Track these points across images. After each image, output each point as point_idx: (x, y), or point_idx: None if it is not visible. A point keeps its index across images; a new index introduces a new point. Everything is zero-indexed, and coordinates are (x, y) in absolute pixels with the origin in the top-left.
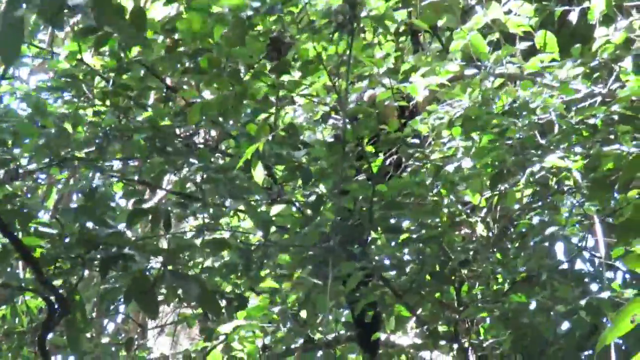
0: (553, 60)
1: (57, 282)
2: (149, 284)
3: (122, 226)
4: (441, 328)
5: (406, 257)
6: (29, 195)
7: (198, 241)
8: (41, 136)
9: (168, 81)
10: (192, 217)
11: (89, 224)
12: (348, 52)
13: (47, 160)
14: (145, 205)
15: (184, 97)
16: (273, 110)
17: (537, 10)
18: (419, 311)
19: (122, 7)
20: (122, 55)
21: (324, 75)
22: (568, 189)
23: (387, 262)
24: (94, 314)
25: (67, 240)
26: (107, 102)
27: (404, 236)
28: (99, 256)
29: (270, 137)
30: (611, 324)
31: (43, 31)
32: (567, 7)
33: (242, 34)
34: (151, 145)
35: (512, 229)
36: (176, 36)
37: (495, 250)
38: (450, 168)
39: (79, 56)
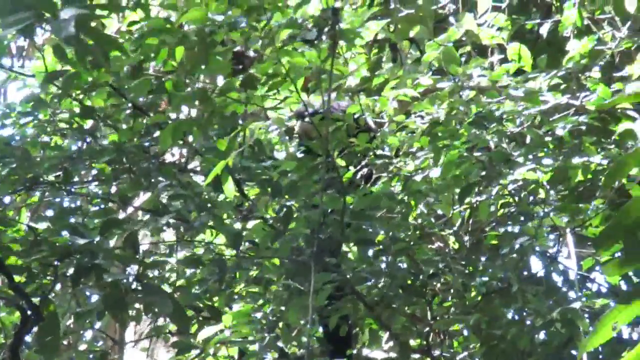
0: (521, 71)
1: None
2: (121, 295)
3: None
4: (414, 341)
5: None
6: None
7: (172, 259)
8: (5, 165)
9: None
10: (165, 234)
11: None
12: (330, 60)
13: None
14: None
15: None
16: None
17: (511, 23)
18: (392, 325)
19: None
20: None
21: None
22: (538, 200)
23: (359, 275)
24: (70, 322)
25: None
26: (74, 125)
27: (376, 248)
28: (71, 267)
29: (238, 152)
30: (593, 331)
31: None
32: (540, 21)
33: (205, 52)
34: (117, 167)
35: (484, 241)
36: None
37: (467, 262)
38: (418, 178)
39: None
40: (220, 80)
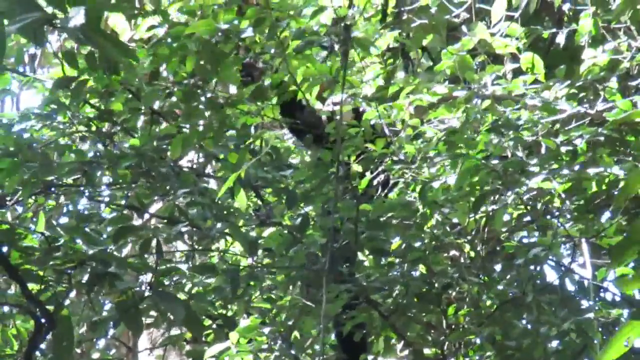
0: (537, 81)
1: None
2: (135, 302)
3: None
4: (429, 350)
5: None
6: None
7: (184, 266)
8: (25, 169)
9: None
10: (180, 242)
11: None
12: (341, 74)
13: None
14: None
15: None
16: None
17: (525, 33)
18: (407, 333)
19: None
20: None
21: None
22: (554, 210)
23: (374, 283)
24: (83, 329)
25: (54, 255)
26: (92, 128)
27: (391, 258)
28: (86, 275)
29: (254, 161)
30: (605, 346)
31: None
32: (555, 30)
33: (214, 62)
34: (136, 172)
35: (499, 250)
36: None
37: (482, 271)
38: (436, 184)
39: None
40: (233, 90)
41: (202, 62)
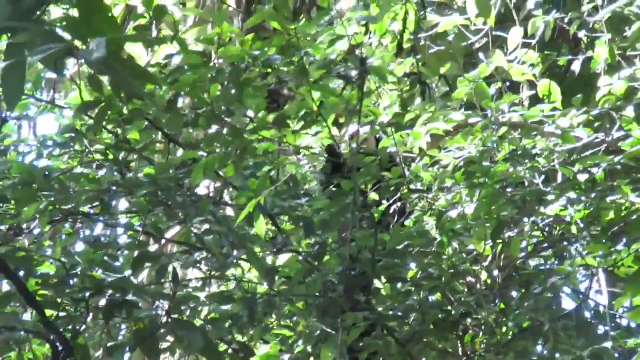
0: (555, 109)
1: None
2: (152, 330)
3: (127, 274)
4: None
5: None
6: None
7: (203, 294)
8: (42, 198)
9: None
10: (196, 269)
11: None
12: (358, 106)
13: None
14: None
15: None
16: (274, 163)
17: (542, 60)
18: None
19: (132, 57)
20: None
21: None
22: (570, 237)
23: (391, 311)
24: (99, 353)
25: (71, 283)
26: (110, 156)
27: (408, 285)
28: (103, 301)
29: (272, 190)
30: None
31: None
32: (571, 57)
33: (239, 88)
34: (153, 200)
35: (516, 277)
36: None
37: (498, 299)
38: (453, 214)
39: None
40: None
41: (226, 89)
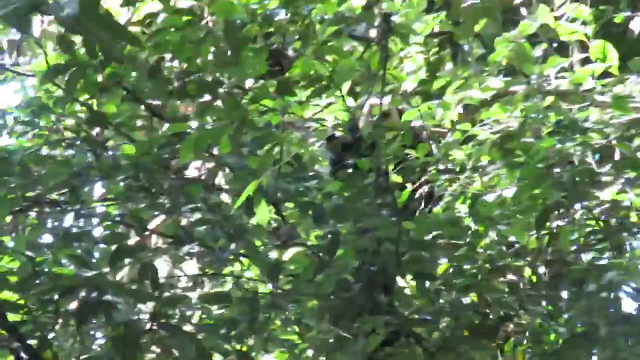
0: (609, 74)
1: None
2: (134, 337)
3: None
4: None
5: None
6: None
7: (194, 295)
8: (1, 184)
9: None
10: (186, 266)
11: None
12: (379, 71)
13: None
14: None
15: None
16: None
17: (595, 17)
18: None
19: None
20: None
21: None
22: (630, 227)
23: (417, 315)
24: None
25: (38, 281)
26: (82, 133)
27: (437, 283)
28: (75, 303)
29: (275, 170)
30: None
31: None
32: (631, 14)
33: (236, 49)
34: (133, 185)
35: (566, 274)
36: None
37: (545, 300)
38: (490, 198)
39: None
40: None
41: (220, 49)
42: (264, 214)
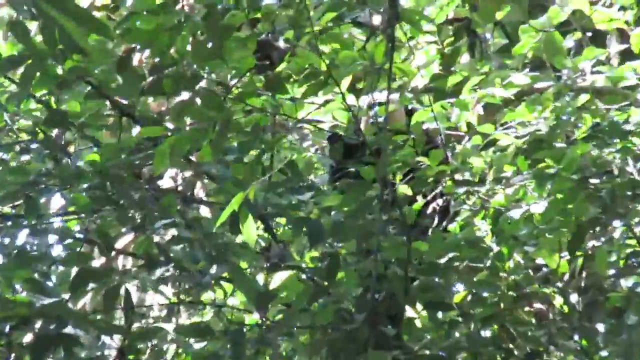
0: None
1: None
2: None
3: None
4: None
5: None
6: None
7: (169, 326)
8: None
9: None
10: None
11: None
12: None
13: None
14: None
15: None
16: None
17: (637, 1)
18: None
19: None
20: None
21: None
22: None
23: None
24: None
25: None
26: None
27: (453, 314)
28: (30, 335)
29: (264, 181)
30: None
31: None
32: None
33: (218, 40)
34: (99, 196)
35: (603, 303)
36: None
37: (579, 333)
38: (515, 214)
39: None
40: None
41: (200, 41)
42: (251, 231)
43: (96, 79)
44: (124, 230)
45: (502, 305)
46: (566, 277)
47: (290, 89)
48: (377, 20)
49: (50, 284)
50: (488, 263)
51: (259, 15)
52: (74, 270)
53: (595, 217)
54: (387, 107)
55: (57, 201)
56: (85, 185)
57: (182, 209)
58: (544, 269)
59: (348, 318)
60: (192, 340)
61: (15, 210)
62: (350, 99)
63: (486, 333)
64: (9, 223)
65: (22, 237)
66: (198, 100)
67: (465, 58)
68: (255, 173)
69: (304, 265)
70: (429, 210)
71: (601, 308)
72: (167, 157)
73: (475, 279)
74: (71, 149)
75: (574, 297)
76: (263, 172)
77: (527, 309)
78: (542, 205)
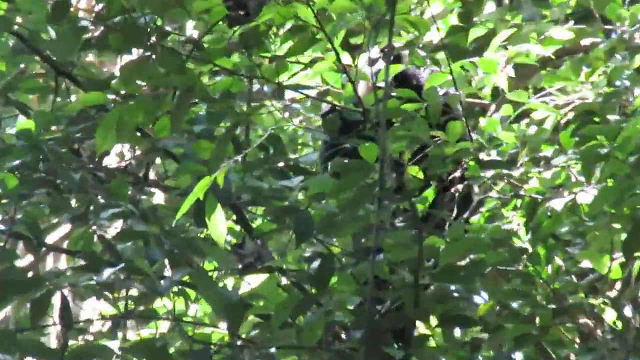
0: None
1: None
2: None
3: None
4: None
5: None
6: None
7: (114, 343)
8: None
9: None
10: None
11: None
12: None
13: None
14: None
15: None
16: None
17: None
18: None
19: None
20: None
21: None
22: None
23: None
24: None
25: None
26: None
27: (476, 330)
28: None
29: (237, 161)
30: None
31: None
32: None
33: None
34: (28, 177)
35: None
36: None
37: (634, 354)
38: (556, 205)
39: None
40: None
41: None
42: (219, 224)
43: (25, 31)
44: (58, 220)
45: (538, 320)
46: (619, 285)
47: (270, 45)
48: None
49: None
50: (521, 267)
51: None
52: None
53: None
54: (388, 69)
55: None
56: (11, 163)
57: (133, 194)
58: (591, 275)
59: (343, 335)
60: None
61: None
62: (346, 57)
63: (518, 356)
64: None
65: None
66: (154, 60)
67: (490, 6)
68: (225, 151)
69: (286, 267)
70: (446, 198)
71: None
72: (114, 130)
73: (504, 287)
74: None
75: (628, 311)
76: (236, 149)
77: (569, 325)
78: (591, 194)
